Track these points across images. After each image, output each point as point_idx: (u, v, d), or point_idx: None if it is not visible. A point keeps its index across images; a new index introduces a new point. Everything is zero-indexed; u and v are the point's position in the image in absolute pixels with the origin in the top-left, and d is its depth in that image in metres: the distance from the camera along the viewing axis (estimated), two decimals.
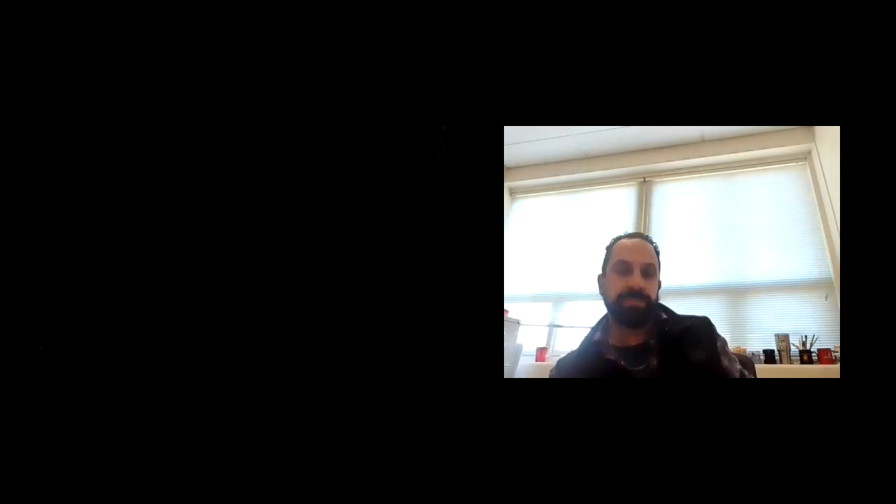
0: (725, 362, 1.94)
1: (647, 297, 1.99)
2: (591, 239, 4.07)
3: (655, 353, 1.95)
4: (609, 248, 2.12)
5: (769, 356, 3.09)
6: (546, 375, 3.45)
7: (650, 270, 2.02)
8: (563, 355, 2.20)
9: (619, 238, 2.12)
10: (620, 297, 2.00)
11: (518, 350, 3.60)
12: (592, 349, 2.04)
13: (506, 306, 3.39)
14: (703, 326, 1.99)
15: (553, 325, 3.82)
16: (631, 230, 3.94)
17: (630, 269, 2.01)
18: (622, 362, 1.97)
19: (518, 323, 3.63)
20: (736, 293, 3.42)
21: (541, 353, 3.66)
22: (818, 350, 3.04)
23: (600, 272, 2.12)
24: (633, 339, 2.01)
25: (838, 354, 2.89)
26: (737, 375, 1.96)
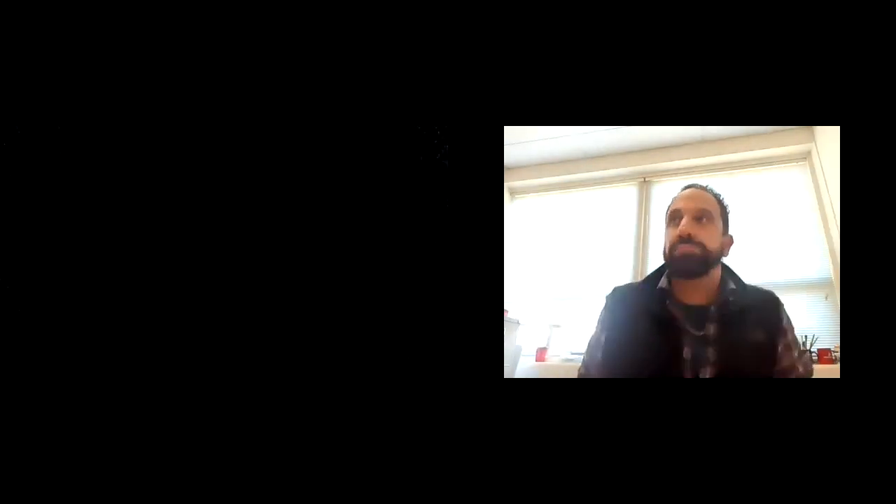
0: (780, 349, 1.79)
1: (700, 244, 1.80)
2: (591, 239, 4.06)
3: (715, 320, 1.79)
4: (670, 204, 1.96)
5: None
6: (546, 375, 3.45)
7: (703, 215, 1.85)
8: (620, 284, 2.03)
9: (679, 193, 1.96)
10: (672, 247, 1.83)
11: (518, 350, 3.60)
12: (658, 295, 1.87)
13: (506, 306, 3.39)
14: (770, 305, 1.85)
15: (553, 325, 3.82)
16: (632, 230, 3.96)
17: (680, 217, 1.85)
18: (681, 319, 1.81)
19: (518, 323, 3.63)
20: None
21: (541, 353, 3.66)
22: (818, 350, 3.04)
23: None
24: (695, 298, 1.85)
25: (838, 354, 2.89)
26: (791, 371, 1.81)
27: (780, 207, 3.62)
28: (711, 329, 1.79)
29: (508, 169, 4.54)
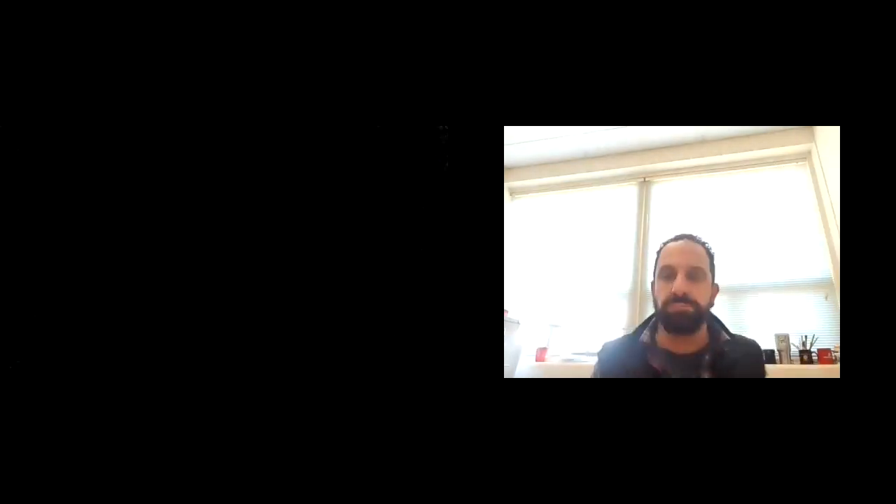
0: None
1: (694, 302, 1.91)
2: (591, 239, 4.06)
3: (709, 368, 1.90)
4: (658, 253, 2.05)
5: (769, 356, 3.09)
6: (545, 375, 3.45)
7: (696, 273, 1.94)
8: (610, 340, 2.13)
9: (667, 242, 2.05)
10: (666, 303, 1.93)
11: (518, 350, 3.59)
12: (639, 350, 1.96)
13: (506, 306, 3.38)
14: (755, 353, 1.97)
15: (553, 325, 3.82)
16: (632, 230, 3.96)
17: (674, 274, 1.94)
18: (668, 370, 1.91)
19: (518, 323, 3.63)
20: (736, 293, 3.42)
21: (541, 352, 3.66)
22: (818, 350, 3.04)
23: (652, 279, 2.08)
24: (685, 347, 1.95)
25: (838, 354, 2.89)
26: None
27: (780, 207, 3.61)
28: (705, 376, 1.89)
29: (508, 169, 4.54)
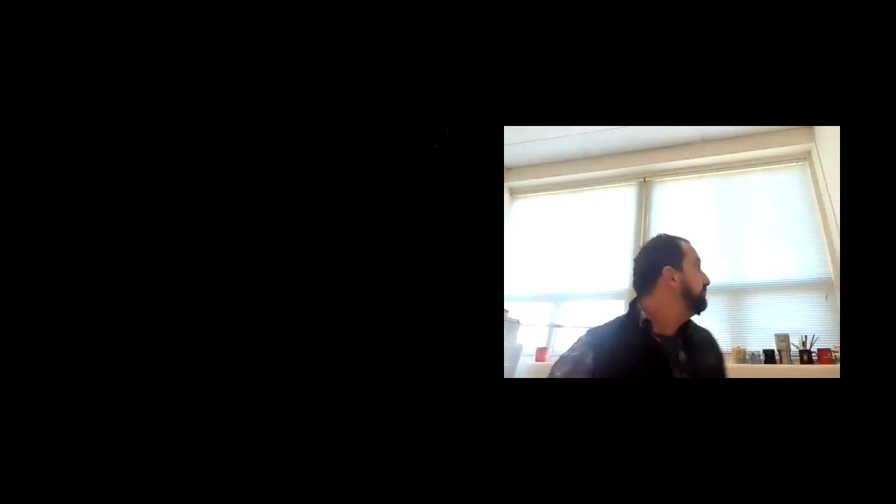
0: (725, 369, 2.23)
1: None
2: (591, 239, 4.07)
3: (683, 348, 2.18)
4: (678, 246, 2.26)
5: (769, 356, 3.09)
6: (546, 375, 3.45)
7: None
8: (595, 326, 2.29)
9: (680, 239, 2.30)
10: (703, 289, 2.22)
11: (518, 350, 3.60)
12: (641, 327, 2.18)
13: (506, 306, 3.38)
14: (712, 337, 2.27)
15: (553, 325, 3.82)
16: (631, 230, 3.96)
17: (699, 266, 2.25)
18: (664, 346, 2.16)
19: (518, 323, 3.63)
20: (736, 293, 3.42)
21: (541, 352, 3.66)
22: (818, 350, 3.04)
23: (668, 266, 2.21)
24: (668, 330, 2.20)
25: (838, 354, 2.89)
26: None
27: (780, 207, 3.62)
28: (682, 355, 2.17)
29: (508, 169, 4.54)
